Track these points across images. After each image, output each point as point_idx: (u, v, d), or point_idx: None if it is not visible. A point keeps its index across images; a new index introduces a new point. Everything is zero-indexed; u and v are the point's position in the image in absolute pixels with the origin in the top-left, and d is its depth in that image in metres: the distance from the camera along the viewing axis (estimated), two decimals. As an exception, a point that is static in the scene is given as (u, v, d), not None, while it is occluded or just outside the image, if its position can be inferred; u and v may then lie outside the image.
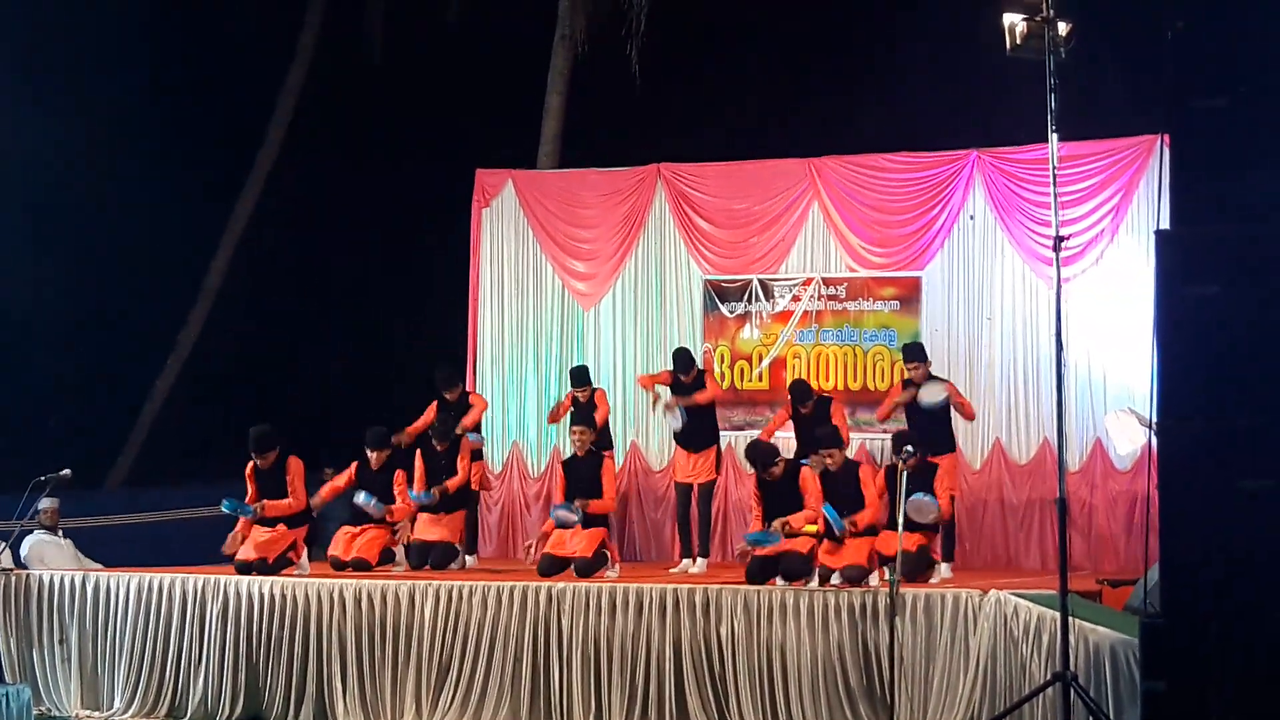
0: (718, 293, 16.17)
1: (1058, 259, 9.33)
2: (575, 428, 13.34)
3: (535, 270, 16.86)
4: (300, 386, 22.00)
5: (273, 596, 11.97)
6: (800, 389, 14.24)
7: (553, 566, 12.39)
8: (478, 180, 17.23)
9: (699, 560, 13.76)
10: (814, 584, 11.09)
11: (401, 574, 12.85)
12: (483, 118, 21.08)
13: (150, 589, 12.32)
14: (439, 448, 13.71)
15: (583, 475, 12.95)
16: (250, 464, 13.08)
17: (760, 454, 12.05)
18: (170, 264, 21.31)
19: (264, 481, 13.01)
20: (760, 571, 11.28)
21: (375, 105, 22.14)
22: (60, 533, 14.27)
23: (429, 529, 13.60)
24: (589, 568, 12.27)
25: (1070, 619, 9.08)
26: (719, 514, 15.66)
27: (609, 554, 12.65)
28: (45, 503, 13.96)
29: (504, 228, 17.02)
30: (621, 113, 20.03)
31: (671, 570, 13.44)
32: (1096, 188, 14.82)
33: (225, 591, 12.10)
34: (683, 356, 14.45)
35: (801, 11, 20.34)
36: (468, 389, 15.58)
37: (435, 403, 14.46)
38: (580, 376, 14.67)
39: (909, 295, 15.55)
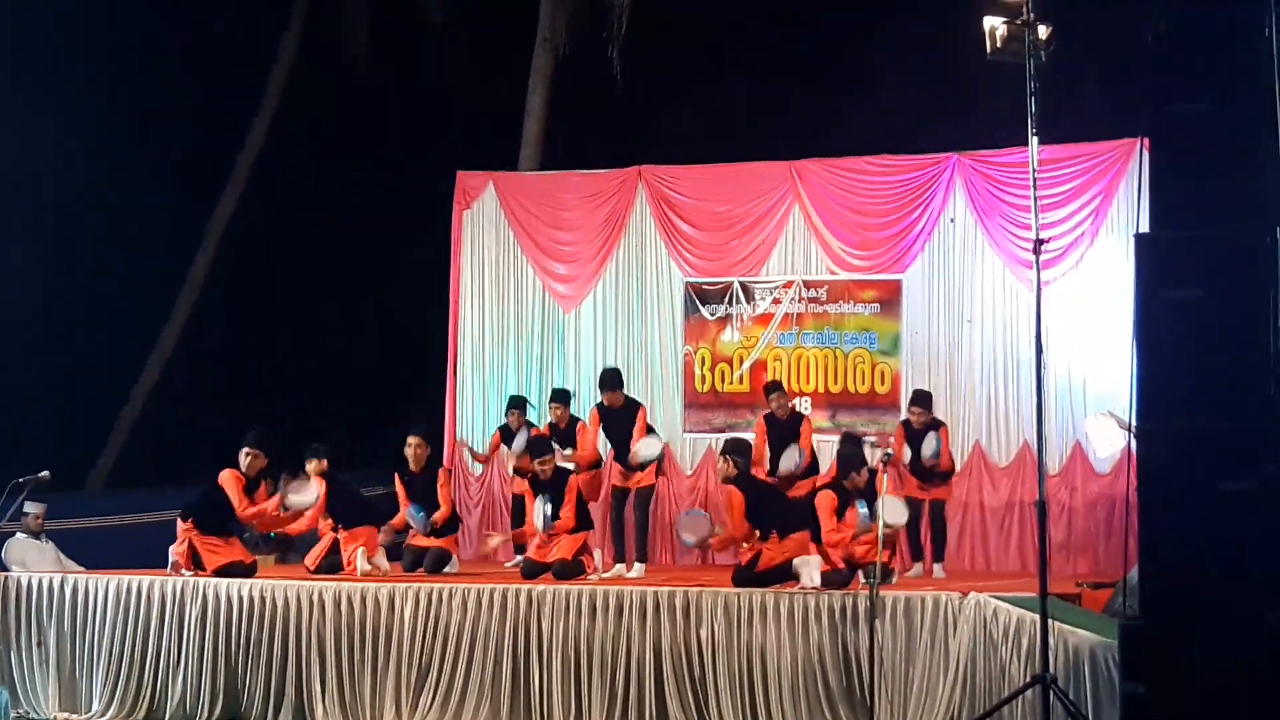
0: (698, 295, 16.18)
1: (1038, 262, 9.33)
2: (540, 458, 12.76)
3: (516, 272, 16.87)
4: (281, 387, 21.96)
5: (251, 598, 11.93)
6: (773, 386, 14.40)
7: (534, 570, 12.37)
8: (459, 182, 17.23)
9: (636, 565, 13.46)
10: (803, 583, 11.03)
11: (396, 577, 12.76)
12: (464, 119, 21.08)
13: (129, 591, 12.27)
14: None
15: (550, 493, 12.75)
16: (230, 472, 12.94)
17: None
18: (152, 264, 21.26)
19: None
20: (744, 580, 11.26)
21: (356, 106, 22.12)
22: (43, 536, 14.22)
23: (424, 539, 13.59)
24: (568, 570, 12.25)
25: (1050, 621, 9.09)
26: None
27: (586, 560, 12.59)
28: (32, 508, 13.91)
29: (485, 229, 17.02)
30: (603, 115, 20.04)
31: (604, 575, 12.79)
32: (1076, 191, 14.86)
33: (204, 593, 12.06)
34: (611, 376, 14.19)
35: (783, 14, 20.36)
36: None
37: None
38: (562, 397, 14.60)
39: (889, 298, 15.58)
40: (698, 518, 12.07)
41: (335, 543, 13.24)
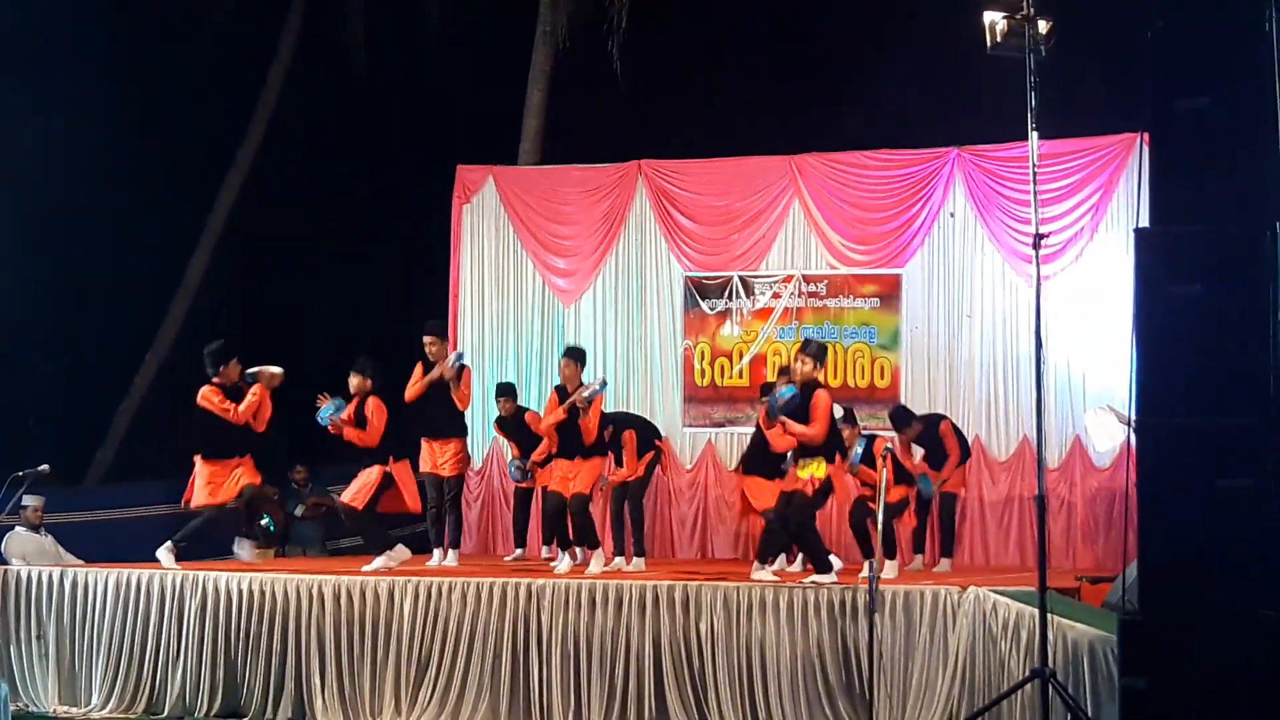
0: (698, 289, 16.18)
1: (1037, 257, 9.34)
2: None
3: (516, 267, 16.86)
4: (279, 384, 21.92)
5: (251, 591, 11.94)
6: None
7: (559, 503, 12.75)
8: (458, 176, 17.22)
9: (635, 560, 13.42)
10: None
11: (399, 571, 12.64)
12: (464, 114, 21.06)
13: (128, 584, 12.28)
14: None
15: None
16: (205, 389, 13.30)
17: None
18: (150, 259, 21.23)
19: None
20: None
21: (356, 101, 22.09)
22: (42, 530, 14.23)
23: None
24: (583, 505, 12.54)
25: (1049, 616, 9.11)
26: (698, 512, 15.78)
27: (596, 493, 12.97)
28: (31, 500, 13.94)
29: (485, 224, 17.01)
30: (603, 109, 20.02)
31: (605, 568, 12.81)
32: (1076, 186, 14.86)
33: (204, 586, 12.07)
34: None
35: (783, 9, 20.36)
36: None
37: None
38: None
39: (889, 292, 15.58)
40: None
41: (388, 475, 12.84)
